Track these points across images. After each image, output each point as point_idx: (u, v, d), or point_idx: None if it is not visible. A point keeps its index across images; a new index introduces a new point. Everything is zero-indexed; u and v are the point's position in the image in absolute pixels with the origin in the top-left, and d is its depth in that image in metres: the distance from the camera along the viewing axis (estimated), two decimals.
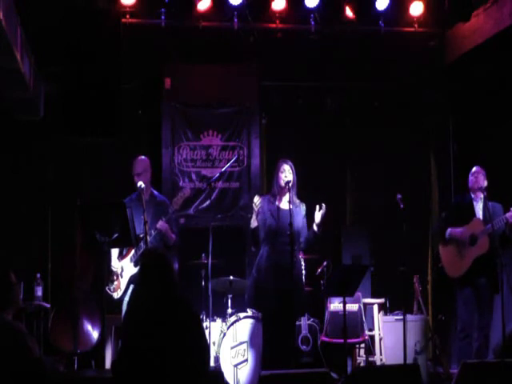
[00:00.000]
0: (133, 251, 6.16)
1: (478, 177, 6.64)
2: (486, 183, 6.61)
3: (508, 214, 6.37)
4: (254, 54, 8.03)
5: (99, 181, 7.62)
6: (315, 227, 6.01)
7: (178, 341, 4.14)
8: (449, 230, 6.67)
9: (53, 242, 7.59)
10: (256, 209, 6.01)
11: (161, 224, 6.10)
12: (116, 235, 5.55)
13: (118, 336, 6.78)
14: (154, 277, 4.31)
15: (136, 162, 6.36)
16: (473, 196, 6.70)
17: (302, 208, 6.14)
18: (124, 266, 6.19)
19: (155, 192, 6.47)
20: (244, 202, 8.11)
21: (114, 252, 6.26)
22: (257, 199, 6.04)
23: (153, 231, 6.09)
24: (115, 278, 6.20)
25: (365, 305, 7.39)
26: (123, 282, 6.18)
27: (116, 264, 6.22)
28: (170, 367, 4.08)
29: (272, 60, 8.03)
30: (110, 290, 6.20)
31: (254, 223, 6.06)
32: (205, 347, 4.35)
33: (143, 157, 6.43)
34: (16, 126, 7.49)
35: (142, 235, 5.95)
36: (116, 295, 6.20)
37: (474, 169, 6.72)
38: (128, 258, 6.19)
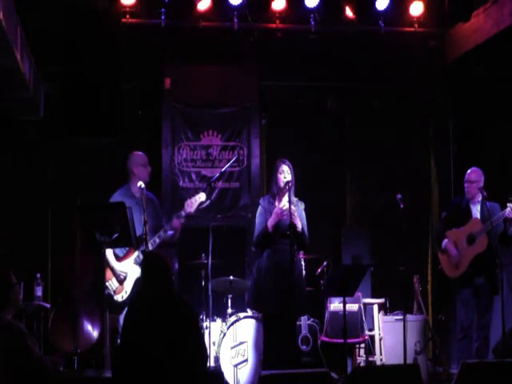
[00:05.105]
0: (136, 253, 6.11)
1: (470, 186, 6.62)
2: (481, 184, 6.59)
3: (506, 211, 6.35)
4: (253, 54, 8.03)
5: (99, 181, 7.61)
6: None
7: (175, 340, 4.15)
8: (445, 242, 6.66)
9: (53, 242, 7.59)
10: (285, 213, 5.87)
11: (175, 223, 6.10)
12: (116, 235, 5.54)
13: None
14: (153, 277, 4.33)
15: (135, 155, 6.33)
16: (469, 197, 6.69)
17: (301, 206, 6.14)
18: (129, 269, 6.14)
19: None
20: (244, 202, 8.11)
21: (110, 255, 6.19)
22: (284, 205, 5.92)
23: (167, 229, 6.09)
24: (118, 280, 6.14)
25: (365, 305, 7.39)
26: (127, 284, 6.13)
27: (119, 266, 6.18)
28: (169, 366, 4.09)
29: (272, 60, 8.03)
30: (110, 291, 6.13)
31: (271, 228, 5.99)
32: (203, 346, 4.36)
33: (138, 151, 6.43)
34: (16, 126, 7.49)
35: (142, 236, 5.93)
36: (121, 297, 6.13)
37: (466, 176, 6.69)
38: (132, 260, 6.14)
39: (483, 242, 6.48)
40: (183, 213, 6.17)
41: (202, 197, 6.23)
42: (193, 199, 6.21)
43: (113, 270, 6.11)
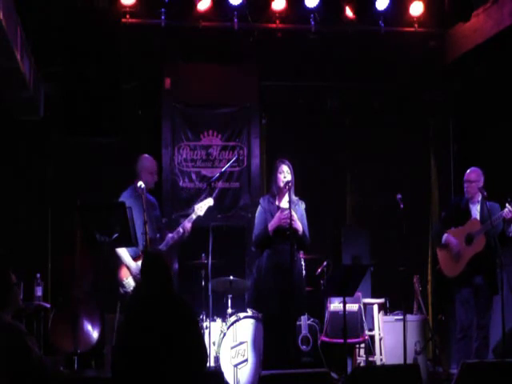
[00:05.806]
0: None
1: (469, 186, 6.63)
2: (481, 183, 6.59)
3: (504, 211, 6.35)
4: (254, 54, 8.02)
5: (99, 181, 7.62)
6: None
7: (175, 340, 4.14)
8: (446, 235, 6.66)
9: (53, 242, 7.59)
10: (286, 220, 5.87)
11: (188, 226, 6.27)
12: (116, 235, 5.54)
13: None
14: (152, 276, 4.33)
15: (148, 160, 6.38)
16: (468, 197, 6.68)
17: (302, 206, 6.14)
18: None
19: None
20: (244, 202, 8.10)
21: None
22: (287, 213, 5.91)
23: (180, 231, 6.22)
24: (135, 280, 6.13)
25: (365, 305, 7.38)
26: None
27: (136, 266, 6.13)
28: (168, 366, 4.09)
29: (272, 60, 8.03)
30: (127, 289, 6.12)
31: (272, 232, 5.98)
32: (202, 346, 4.36)
33: (149, 156, 6.46)
34: (16, 126, 7.49)
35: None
36: None
37: (465, 176, 6.69)
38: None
39: (481, 242, 6.48)
40: (194, 216, 6.35)
41: (210, 202, 6.45)
42: (202, 203, 6.40)
43: (129, 269, 6.11)
